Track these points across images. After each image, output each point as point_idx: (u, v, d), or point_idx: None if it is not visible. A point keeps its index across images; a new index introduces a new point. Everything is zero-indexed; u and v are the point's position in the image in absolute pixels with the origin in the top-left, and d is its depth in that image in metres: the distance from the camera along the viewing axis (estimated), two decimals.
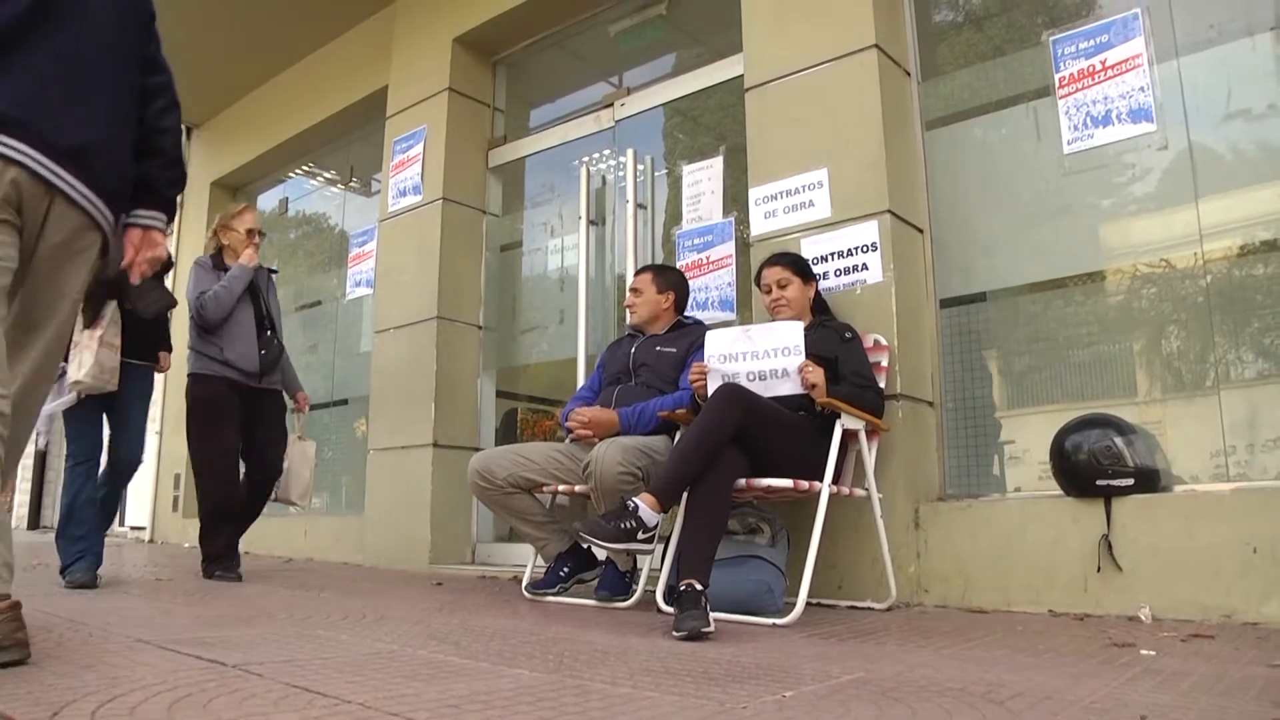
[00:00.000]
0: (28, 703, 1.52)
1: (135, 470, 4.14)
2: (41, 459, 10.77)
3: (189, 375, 4.27)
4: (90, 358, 3.60)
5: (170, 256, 3.69)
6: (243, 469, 4.38)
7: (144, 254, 2.29)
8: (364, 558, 5.48)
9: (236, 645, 2.21)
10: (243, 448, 4.31)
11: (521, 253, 5.74)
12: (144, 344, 3.98)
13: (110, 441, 3.95)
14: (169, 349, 4.25)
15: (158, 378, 4.37)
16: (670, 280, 3.83)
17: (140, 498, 8.15)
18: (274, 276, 4.66)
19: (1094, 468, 2.98)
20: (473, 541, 5.32)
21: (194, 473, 4.30)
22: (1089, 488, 2.99)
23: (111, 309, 3.70)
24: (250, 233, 4.40)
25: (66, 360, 3.57)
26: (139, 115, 2.28)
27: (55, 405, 3.67)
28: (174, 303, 4.00)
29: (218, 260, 4.39)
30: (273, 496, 4.48)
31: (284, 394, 4.54)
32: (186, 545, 7.22)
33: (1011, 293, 3.68)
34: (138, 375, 3.99)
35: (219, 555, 4.24)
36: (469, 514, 5.31)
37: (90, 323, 3.62)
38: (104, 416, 3.91)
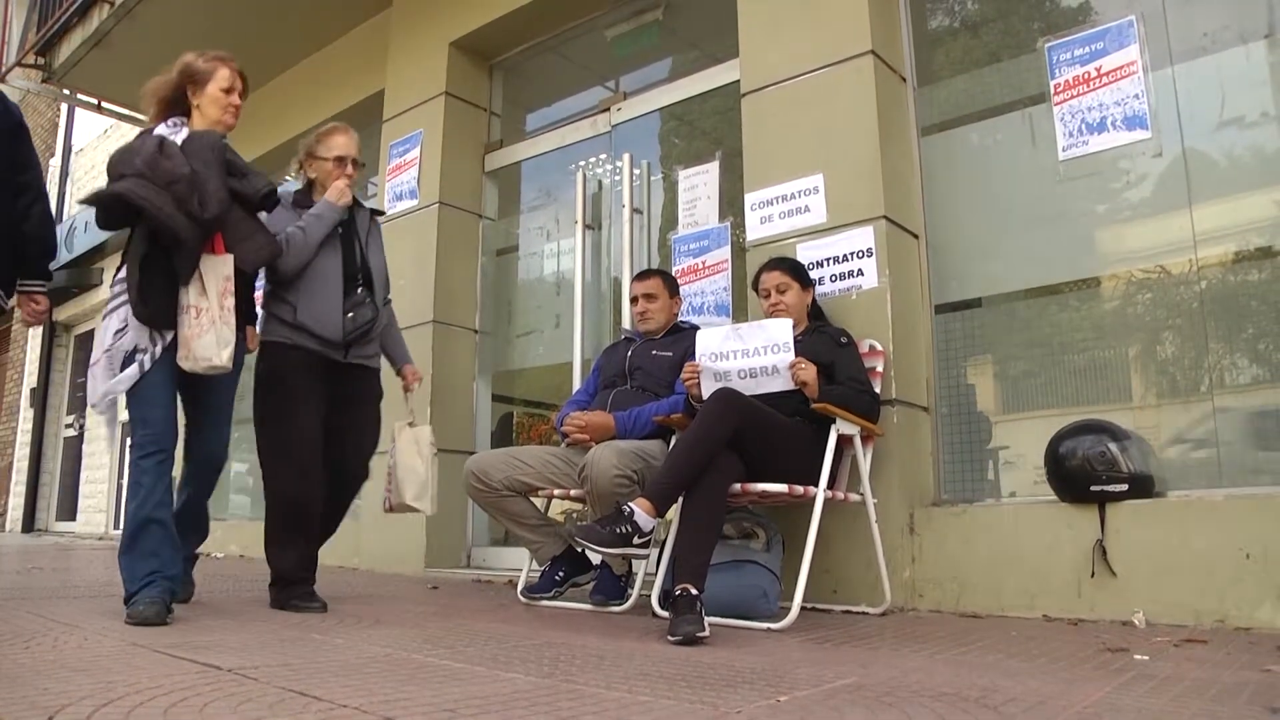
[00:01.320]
0: (23, 706, 1.52)
1: (220, 469, 3.20)
2: (36, 460, 10.74)
3: (261, 344, 3.36)
4: (230, 334, 2.81)
5: (274, 190, 3.04)
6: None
7: (28, 310, 3.26)
8: (359, 561, 5.47)
9: (231, 649, 2.21)
10: (328, 439, 3.34)
11: (517, 257, 5.74)
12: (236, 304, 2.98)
13: (187, 433, 3.09)
14: (254, 319, 3.33)
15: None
16: (677, 286, 3.87)
17: None
18: (378, 220, 3.65)
19: (1088, 473, 2.99)
20: (468, 545, 5.31)
21: (261, 468, 3.31)
22: (1083, 493, 3.00)
23: (229, 267, 2.86)
24: (340, 161, 3.42)
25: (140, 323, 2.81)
26: (11, 208, 3.01)
27: (115, 383, 2.79)
28: (279, 250, 3.10)
29: (303, 197, 3.46)
30: (385, 506, 3.60)
31: (379, 373, 3.56)
32: None
33: (1006, 298, 3.69)
34: None
35: (294, 578, 3.23)
36: (464, 518, 5.30)
37: (187, 280, 2.79)
38: (178, 393, 2.97)
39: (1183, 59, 3.30)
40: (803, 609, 2.87)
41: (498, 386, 5.75)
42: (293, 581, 3.21)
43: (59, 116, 11.48)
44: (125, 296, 2.83)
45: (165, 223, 2.73)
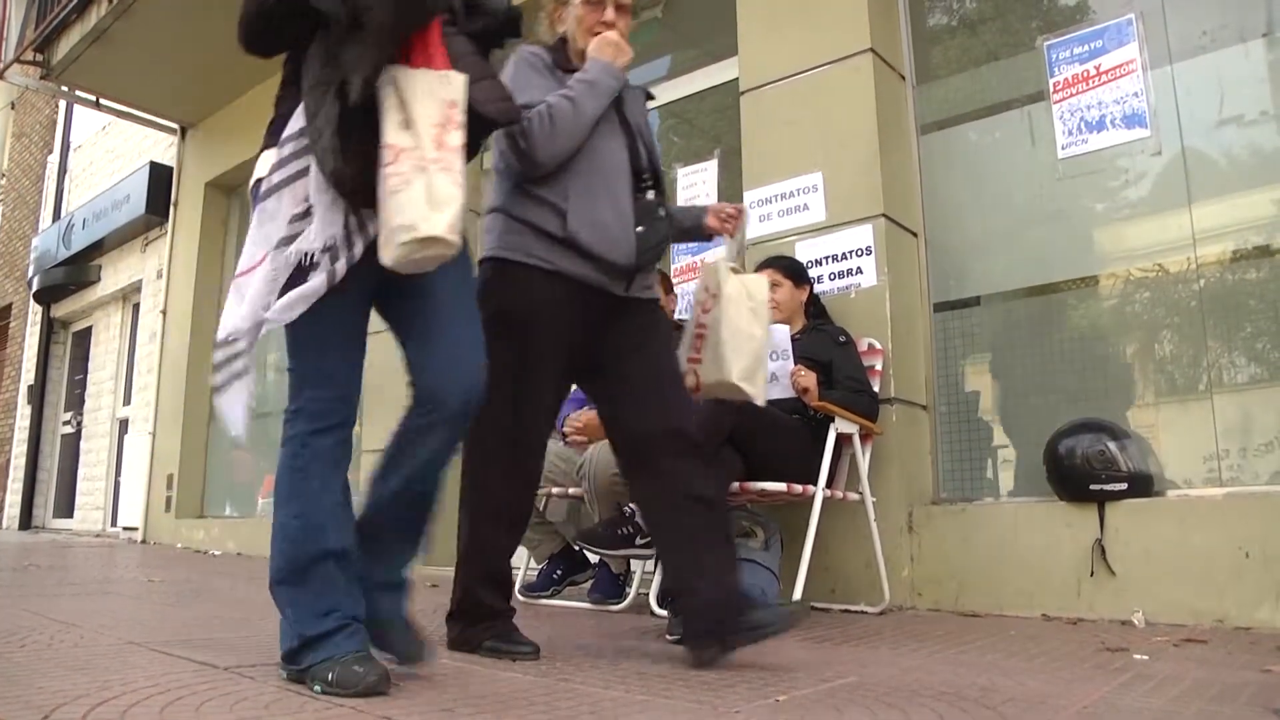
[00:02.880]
0: (18, 705, 1.51)
1: (466, 417, 1.91)
2: (34, 456, 10.73)
3: (488, 261, 2.30)
4: (453, 189, 1.67)
5: (518, 16, 2.00)
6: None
7: None
8: None
9: (229, 648, 2.20)
10: (607, 412, 2.36)
11: None
12: None
13: (416, 365, 1.90)
14: None
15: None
16: (671, 283, 3.85)
17: (132, 497, 8.12)
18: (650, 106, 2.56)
19: (1087, 472, 2.98)
20: None
21: (464, 444, 2.15)
22: (1082, 492, 3.00)
23: (454, 89, 1.73)
24: (595, 4, 2.30)
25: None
26: None
27: (289, 301, 1.70)
28: (516, 114, 2.03)
29: (561, 57, 2.34)
30: (692, 383, 2.40)
31: (658, 302, 2.42)
32: (179, 546, 7.20)
33: (1005, 297, 3.68)
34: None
35: (485, 610, 2.24)
36: None
37: (363, 87, 1.66)
38: (365, 328, 1.91)
39: (1182, 57, 3.30)
40: None
41: None
42: (487, 614, 2.22)
43: (57, 113, 11.44)
44: (302, 159, 1.75)
45: None
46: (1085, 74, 3.43)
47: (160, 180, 8.45)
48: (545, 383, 2.25)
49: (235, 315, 1.72)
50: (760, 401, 2.46)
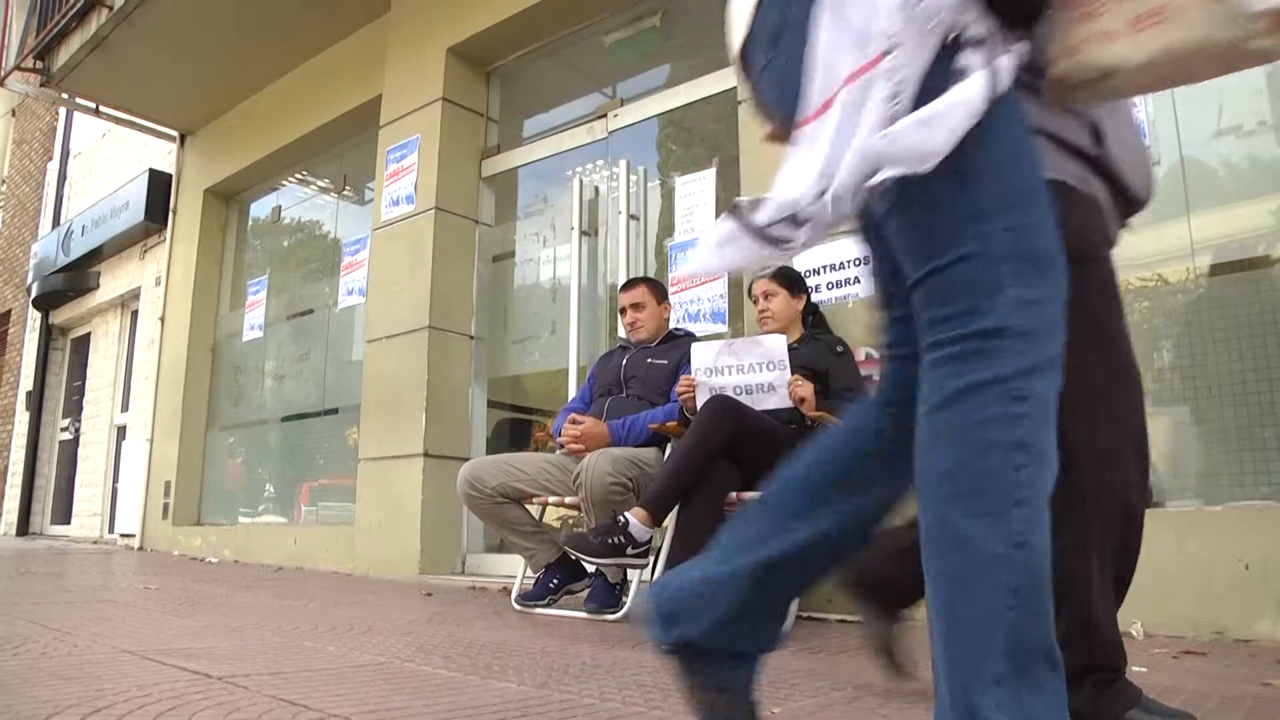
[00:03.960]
0: (9, 715, 1.50)
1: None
2: (31, 463, 10.72)
3: None
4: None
5: None
6: None
7: None
8: (354, 567, 5.45)
9: (223, 656, 2.19)
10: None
11: (514, 263, 5.73)
12: None
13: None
14: None
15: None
16: (664, 291, 3.84)
17: (130, 504, 8.11)
18: None
19: None
20: (462, 552, 5.29)
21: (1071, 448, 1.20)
22: None
23: None
24: None
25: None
26: None
27: (932, 115, 0.91)
28: None
29: None
30: None
31: None
32: (176, 553, 7.18)
33: None
34: None
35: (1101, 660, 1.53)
36: (459, 524, 5.29)
37: None
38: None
39: None
40: (798, 619, 2.86)
41: (493, 393, 5.74)
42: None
43: (57, 120, 11.46)
44: None
45: None
46: None
47: (159, 187, 8.46)
48: (1122, 334, 1.60)
49: (800, 173, 0.98)
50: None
